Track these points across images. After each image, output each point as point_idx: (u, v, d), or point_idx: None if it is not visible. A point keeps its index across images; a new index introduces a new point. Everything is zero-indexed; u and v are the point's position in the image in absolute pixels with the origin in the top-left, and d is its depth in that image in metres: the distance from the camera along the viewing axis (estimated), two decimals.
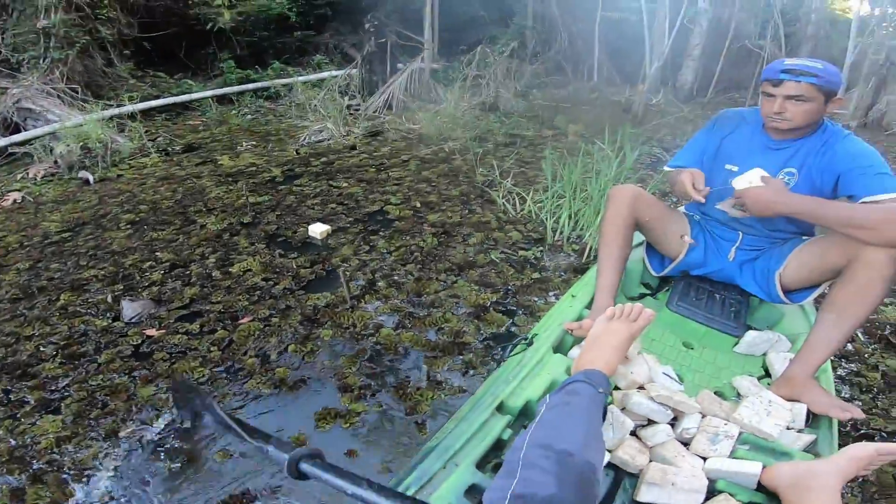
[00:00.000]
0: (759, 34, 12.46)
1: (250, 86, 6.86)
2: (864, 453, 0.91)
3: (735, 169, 1.38)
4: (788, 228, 1.41)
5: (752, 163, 1.33)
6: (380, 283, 2.28)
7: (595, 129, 3.76)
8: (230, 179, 3.61)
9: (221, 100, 6.52)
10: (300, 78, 7.07)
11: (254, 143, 4.59)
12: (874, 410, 1.67)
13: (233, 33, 8.62)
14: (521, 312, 2.12)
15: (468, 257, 2.52)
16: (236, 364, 1.82)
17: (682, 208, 1.69)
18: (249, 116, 5.95)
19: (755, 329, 1.44)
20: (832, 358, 1.33)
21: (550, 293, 2.27)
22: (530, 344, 1.27)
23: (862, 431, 1.58)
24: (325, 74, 7.51)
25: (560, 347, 1.27)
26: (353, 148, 4.30)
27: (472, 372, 1.78)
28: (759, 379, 1.31)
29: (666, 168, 1.61)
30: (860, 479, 1.38)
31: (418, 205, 3.12)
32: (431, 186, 3.42)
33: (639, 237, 1.62)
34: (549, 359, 1.13)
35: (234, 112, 5.85)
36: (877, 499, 1.34)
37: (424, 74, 6.66)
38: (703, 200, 1.35)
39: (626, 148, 3.20)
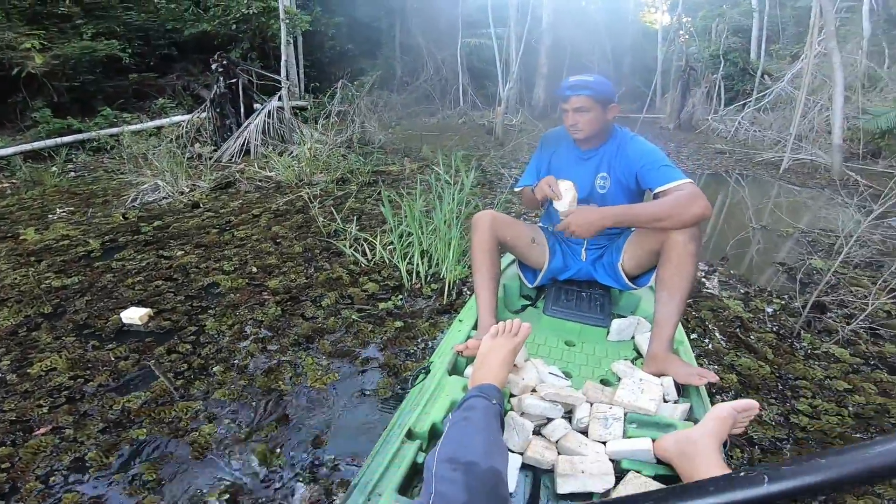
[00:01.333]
0: (590, 50, 14.15)
1: (68, 138, 5.91)
2: (724, 413, 0.99)
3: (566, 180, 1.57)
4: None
5: (573, 175, 1.52)
6: (215, 369, 1.92)
7: (455, 155, 3.71)
8: (32, 259, 2.95)
9: (35, 156, 5.52)
10: (131, 126, 6.26)
11: (71, 208, 3.88)
12: None
13: (48, 79, 7.48)
14: (386, 374, 1.88)
15: (316, 324, 2.23)
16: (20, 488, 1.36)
17: (539, 223, 1.83)
18: (73, 174, 5.09)
19: (620, 316, 1.61)
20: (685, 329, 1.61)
21: (419, 340, 2.09)
22: (428, 372, 1.32)
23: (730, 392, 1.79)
24: (165, 121, 6.79)
25: (456, 370, 1.33)
26: (196, 206, 3.81)
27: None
28: (634, 360, 1.46)
29: (516, 189, 1.80)
30: (741, 437, 1.50)
31: (255, 270, 2.73)
32: (276, 245, 3.06)
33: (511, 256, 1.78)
34: (446, 381, 1.19)
35: (52, 170, 4.94)
36: (759, 456, 1.48)
37: (284, 114, 6.31)
38: (560, 197, 1.48)
39: (462, 173, 3.16)
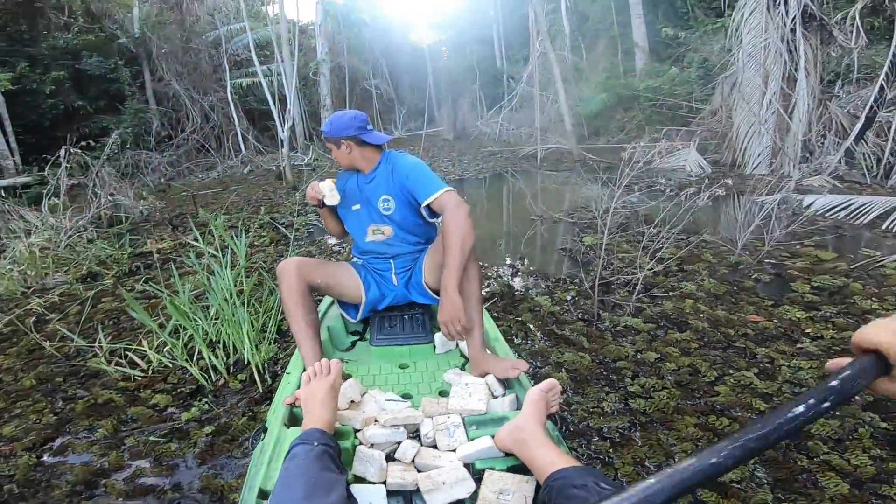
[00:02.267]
0: (372, 74, 14.70)
1: None
2: (535, 396, 1.08)
3: (357, 207, 1.66)
4: (411, 240, 1.66)
5: (363, 198, 1.64)
6: None
7: (215, 221, 3.27)
8: None
9: None
10: None
11: None
12: (574, 406, 1.83)
13: None
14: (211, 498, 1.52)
15: (93, 465, 1.68)
16: None
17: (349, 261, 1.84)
18: None
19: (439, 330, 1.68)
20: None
21: (241, 439, 1.74)
22: (266, 430, 1.28)
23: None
24: None
25: (295, 421, 1.28)
26: None
27: None
28: (463, 366, 1.52)
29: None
30: (556, 416, 1.63)
31: None
32: None
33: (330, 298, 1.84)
34: (284, 435, 1.16)
35: None
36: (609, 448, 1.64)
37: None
38: (324, 194, 1.61)
39: (230, 241, 2.80)
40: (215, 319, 2.37)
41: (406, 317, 1.71)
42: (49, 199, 4.91)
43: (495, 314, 2.57)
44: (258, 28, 10.22)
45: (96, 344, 2.41)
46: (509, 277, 3.13)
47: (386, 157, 1.63)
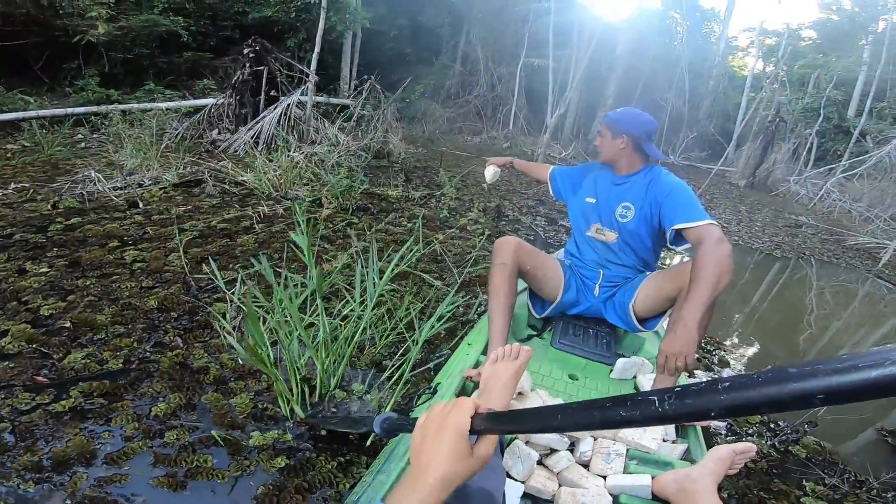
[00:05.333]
0: (667, 86, 12.58)
1: (79, 109, 5.46)
2: (724, 454, 1.02)
3: (593, 201, 1.60)
4: (629, 257, 1.56)
5: (602, 195, 1.58)
6: None
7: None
8: None
9: (77, 123, 5.14)
10: (139, 105, 5.72)
11: (26, 184, 3.28)
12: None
13: (107, 48, 7.25)
14: None
15: (115, 450, 1.24)
16: None
17: (557, 255, 1.77)
18: (81, 146, 4.61)
19: (624, 356, 1.56)
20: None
21: (317, 493, 1.18)
22: (434, 393, 1.26)
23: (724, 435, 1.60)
24: (191, 102, 6.28)
25: (464, 393, 1.29)
26: (134, 205, 3.09)
27: None
28: None
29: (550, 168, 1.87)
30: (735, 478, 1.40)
31: (68, 325, 1.66)
32: (142, 288, 2.02)
33: (521, 284, 1.69)
34: None
35: (61, 137, 4.45)
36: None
37: (306, 110, 5.59)
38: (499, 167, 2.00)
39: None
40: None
41: (592, 330, 1.63)
42: (341, 121, 5.35)
43: None
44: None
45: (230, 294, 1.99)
46: (772, 440, 1.75)
47: (648, 169, 1.53)
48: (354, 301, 1.46)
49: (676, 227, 1.35)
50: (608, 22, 12.61)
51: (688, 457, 1.18)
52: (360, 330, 1.43)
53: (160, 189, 3.42)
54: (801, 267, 4.55)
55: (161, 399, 1.44)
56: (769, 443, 1.73)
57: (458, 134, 8.93)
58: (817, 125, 10.36)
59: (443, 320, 1.38)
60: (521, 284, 1.72)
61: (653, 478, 1.01)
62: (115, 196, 3.16)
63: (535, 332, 1.69)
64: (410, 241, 1.57)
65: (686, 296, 1.24)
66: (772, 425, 1.86)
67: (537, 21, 8.93)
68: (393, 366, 1.48)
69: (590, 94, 10.56)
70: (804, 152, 9.85)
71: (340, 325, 1.49)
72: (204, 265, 2.27)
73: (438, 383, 1.34)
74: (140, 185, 3.46)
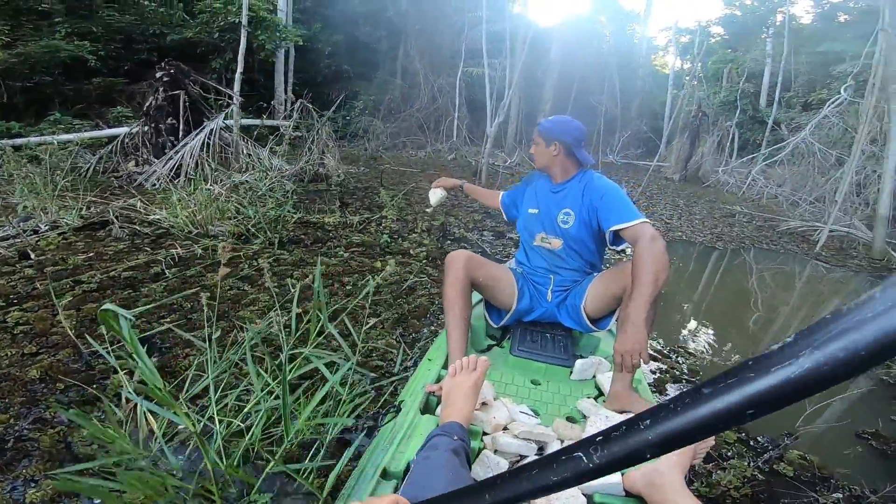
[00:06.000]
0: (599, 89, 12.99)
1: None
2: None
3: (535, 211, 1.62)
4: (576, 261, 1.57)
5: (543, 204, 1.59)
6: None
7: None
8: None
9: None
10: (35, 139, 5.03)
11: None
12: None
13: (4, 76, 6.45)
14: None
15: None
16: None
17: (509, 264, 1.78)
18: None
19: (582, 357, 1.58)
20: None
21: None
22: (399, 410, 1.25)
23: None
24: (103, 132, 5.66)
25: (427, 408, 1.27)
26: (25, 257, 2.58)
27: None
28: (596, 398, 1.44)
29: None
30: (696, 467, 1.45)
31: None
32: (18, 352, 1.66)
33: (477, 296, 1.73)
34: (419, 420, 1.12)
35: None
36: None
37: (233, 135, 5.14)
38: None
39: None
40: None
41: (549, 335, 1.63)
42: (273, 145, 4.94)
43: None
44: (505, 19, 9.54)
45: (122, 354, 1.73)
46: (755, 460, 1.58)
47: (582, 174, 1.56)
48: (263, 379, 1.15)
49: (613, 228, 1.39)
50: (540, 28, 12.89)
51: None
52: (267, 419, 1.12)
53: (58, 235, 2.92)
54: (741, 256, 4.63)
55: (34, 484, 1.14)
56: (752, 464, 1.57)
57: (401, 149, 8.67)
58: (736, 117, 10.97)
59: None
60: (477, 296, 1.74)
61: (622, 474, 1.00)
62: (3, 247, 2.64)
63: (494, 342, 1.68)
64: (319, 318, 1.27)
65: (630, 295, 1.27)
66: (751, 443, 1.71)
67: (473, 30, 8.87)
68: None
69: (529, 101, 10.65)
70: (727, 144, 10.38)
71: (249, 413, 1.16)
72: (102, 325, 1.86)
73: (402, 400, 1.33)
74: (35, 232, 2.93)
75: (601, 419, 1.22)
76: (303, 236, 3.35)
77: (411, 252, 3.18)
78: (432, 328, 2.22)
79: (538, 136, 1.55)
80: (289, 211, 3.37)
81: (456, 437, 0.92)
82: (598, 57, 12.82)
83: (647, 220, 1.36)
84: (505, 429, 1.14)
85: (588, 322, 1.54)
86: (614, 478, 0.98)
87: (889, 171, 4.63)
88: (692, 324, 2.96)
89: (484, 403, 1.20)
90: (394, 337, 2.10)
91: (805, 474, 1.56)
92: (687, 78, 13.14)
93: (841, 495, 1.47)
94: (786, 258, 4.73)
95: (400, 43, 10.15)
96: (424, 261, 3.02)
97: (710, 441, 1.06)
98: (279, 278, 2.63)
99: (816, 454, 1.66)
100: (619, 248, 1.48)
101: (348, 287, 2.56)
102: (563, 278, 1.60)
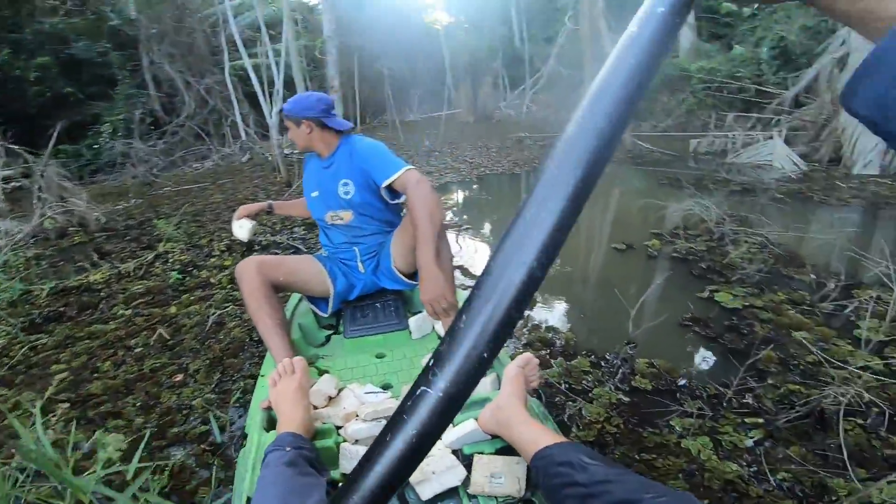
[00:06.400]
0: (384, 54, 13.06)
1: None
2: (513, 373, 1.01)
3: (316, 194, 1.54)
4: (373, 225, 1.53)
5: (321, 183, 1.52)
6: None
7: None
8: None
9: None
10: None
11: None
12: None
13: None
14: None
15: None
16: None
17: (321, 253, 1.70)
18: None
19: (415, 313, 1.52)
20: None
21: None
22: (245, 437, 1.15)
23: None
24: None
25: (273, 423, 1.17)
26: None
27: None
28: None
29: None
30: (537, 391, 1.50)
31: None
32: None
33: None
34: (264, 439, 1.04)
35: None
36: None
37: None
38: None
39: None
40: None
41: (378, 305, 1.59)
42: None
43: None
44: (265, 4, 8.70)
45: None
46: (612, 382, 1.69)
47: (345, 141, 1.50)
48: None
49: (384, 184, 1.38)
50: (310, 4, 12.04)
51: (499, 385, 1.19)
52: None
53: None
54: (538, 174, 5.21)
55: None
56: (612, 388, 1.62)
57: (180, 166, 7.38)
58: (501, 59, 12.20)
59: None
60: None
61: (476, 419, 0.99)
62: None
63: (331, 331, 1.59)
64: None
65: (416, 241, 1.29)
66: (602, 364, 1.77)
67: (238, 20, 7.75)
68: None
69: (318, 81, 10.07)
70: (500, 82, 11.53)
71: None
72: None
73: (247, 425, 1.25)
74: None
75: None
76: (63, 308, 2.56)
77: (212, 281, 2.68)
78: (255, 360, 1.89)
79: (287, 121, 1.50)
80: (33, 284, 2.51)
81: (289, 448, 0.86)
82: (373, 22, 12.71)
83: (412, 167, 1.38)
84: (357, 416, 1.09)
85: (405, 278, 1.54)
86: (469, 426, 0.97)
87: None
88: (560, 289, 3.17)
89: (330, 398, 1.15)
90: (212, 387, 1.73)
91: (661, 384, 1.64)
92: (458, 31, 14.02)
93: (703, 399, 1.53)
94: None
95: (139, 51, 8.44)
96: (229, 286, 2.57)
97: (534, 362, 1.05)
98: (41, 369, 1.97)
99: (659, 356, 1.77)
100: (399, 202, 1.49)
101: (138, 349, 2.03)
102: (367, 246, 1.57)
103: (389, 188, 1.40)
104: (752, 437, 1.41)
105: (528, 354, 1.06)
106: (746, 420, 1.45)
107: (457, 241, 3.28)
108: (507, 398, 0.94)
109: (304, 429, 0.94)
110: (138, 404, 1.70)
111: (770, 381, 1.60)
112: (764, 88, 6.64)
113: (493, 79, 11.57)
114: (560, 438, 0.82)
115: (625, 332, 1.92)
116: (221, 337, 2.03)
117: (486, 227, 3.63)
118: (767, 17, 7.55)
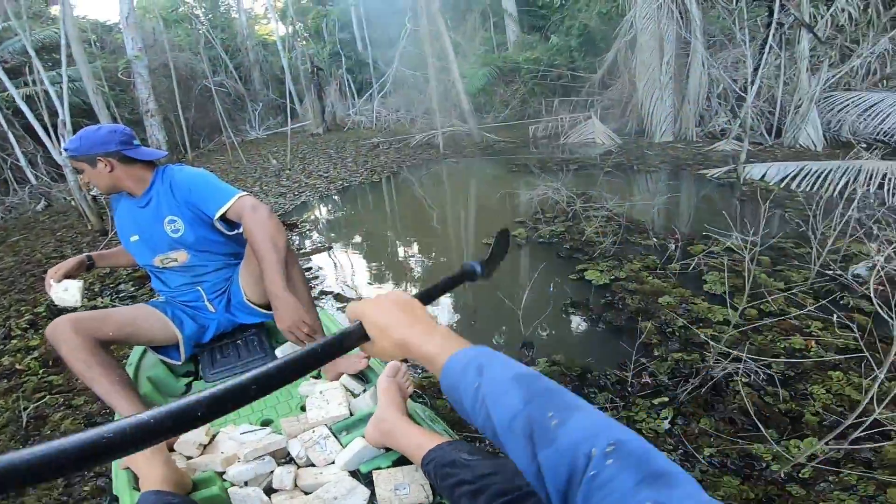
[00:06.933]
0: (214, 71, 11.61)
1: None
2: (385, 384, 1.00)
3: (136, 238, 1.36)
4: (215, 261, 1.40)
5: (140, 226, 1.34)
6: None
7: None
8: None
9: None
10: None
11: None
12: None
13: None
14: None
15: None
16: None
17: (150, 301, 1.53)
18: None
19: (282, 343, 1.47)
20: None
21: None
22: (117, 499, 1.03)
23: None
24: None
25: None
26: None
27: None
28: (318, 375, 1.33)
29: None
30: (413, 397, 1.37)
31: None
32: None
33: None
34: (136, 499, 0.90)
35: None
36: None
37: None
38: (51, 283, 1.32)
39: None
40: None
41: (239, 341, 1.47)
42: None
43: None
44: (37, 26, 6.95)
45: None
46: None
47: (161, 175, 1.33)
48: None
49: (216, 216, 1.26)
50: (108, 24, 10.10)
51: None
52: None
53: None
54: (398, 178, 5.08)
55: None
56: None
57: None
58: (344, 65, 11.81)
59: None
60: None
61: (363, 436, 0.98)
62: None
63: (192, 378, 1.45)
64: None
65: (261, 271, 1.21)
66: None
67: (6, 46, 5.82)
68: None
69: (128, 106, 8.46)
70: (346, 89, 11.16)
71: None
72: None
73: (114, 487, 1.11)
74: None
75: (318, 397, 1.16)
76: None
77: (18, 367, 1.97)
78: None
79: (76, 163, 1.28)
80: None
81: None
82: (198, 41, 11.15)
83: (244, 193, 1.26)
84: (239, 459, 1.02)
85: (261, 309, 1.42)
86: (358, 444, 0.95)
87: (457, 78, 5.83)
88: (382, 248, 2.97)
89: (203, 445, 1.08)
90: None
91: (566, 381, 1.59)
92: (294, 39, 13.10)
93: (609, 390, 1.53)
94: (427, 165, 5.48)
95: None
96: (42, 371, 1.91)
97: (403, 368, 1.03)
98: None
99: (556, 350, 1.74)
100: (238, 232, 1.34)
101: None
102: (213, 283, 1.43)
103: (223, 218, 1.27)
104: (665, 419, 1.41)
105: (395, 363, 1.03)
106: (654, 402, 1.46)
107: (333, 260, 2.97)
108: (385, 409, 0.93)
109: (168, 483, 0.88)
110: None
111: (656, 354, 1.67)
112: (577, 73, 7.52)
113: (339, 86, 11.12)
114: (443, 439, 0.80)
115: (517, 333, 1.88)
116: (48, 433, 1.48)
117: (357, 242, 3.37)
118: (572, 6, 8.49)
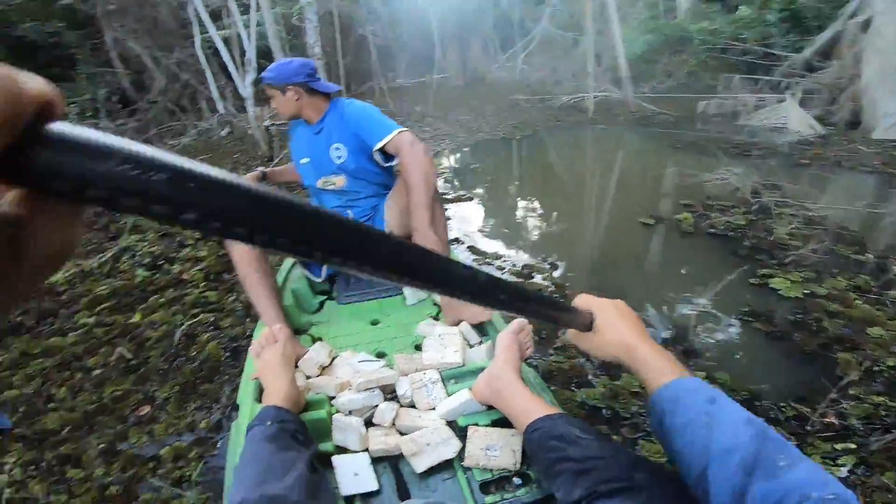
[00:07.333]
0: (363, 21, 12.16)
1: None
2: (507, 341, 0.95)
3: (306, 161, 1.46)
4: (368, 189, 1.47)
5: (311, 151, 1.44)
6: None
7: None
8: None
9: None
10: None
11: None
12: None
13: None
14: None
15: None
16: None
17: None
18: None
19: None
20: None
21: None
22: (238, 407, 1.13)
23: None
24: None
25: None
26: None
27: None
28: (437, 316, 1.35)
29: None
30: (532, 359, 1.40)
31: None
32: None
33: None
34: (255, 411, 0.94)
35: None
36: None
37: None
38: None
39: None
40: None
41: None
42: None
43: None
44: None
45: None
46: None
47: (334, 105, 1.42)
48: None
49: (376, 147, 1.31)
50: None
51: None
52: None
53: None
54: (540, 137, 4.80)
55: None
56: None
57: (156, 143, 6.81)
58: (492, 21, 11.45)
59: None
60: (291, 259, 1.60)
61: (470, 389, 0.95)
62: None
63: (325, 297, 1.52)
64: None
65: (409, 205, 1.24)
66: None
67: None
68: None
69: (295, 49, 9.34)
70: (490, 44, 10.84)
71: None
72: None
73: (238, 396, 1.19)
74: None
75: (436, 339, 1.13)
76: (21, 317, 2.19)
77: (185, 277, 2.31)
78: (235, 385, 1.57)
79: (270, 90, 1.39)
80: None
81: (270, 423, 0.83)
82: None
83: (405, 129, 1.31)
84: (350, 386, 1.03)
85: None
86: (463, 395, 0.93)
87: (619, 42, 5.21)
88: (522, 211, 2.82)
89: (323, 367, 1.11)
90: (187, 418, 1.41)
91: (736, 397, 1.30)
92: None
93: (782, 425, 1.27)
94: (574, 128, 5.09)
95: (100, 29, 7.71)
96: (204, 284, 2.21)
97: (529, 328, 0.99)
98: None
99: (721, 365, 1.46)
100: (392, 165, 1.39)
101: (96, 371, 1.69)
102: (362, 209, 1.52)
103: (382, 151, 1.33)
104: (843, 466, 1.15)
105: (522, 320, 0.99)
106: (837, 446, 1.17)
107: (468, 212, 2.97)
108: (501, 366, 0.91)
109: (288, 401, 0.90)
110: (101, 447, 1.38)
111: (852, 393, 1.32)
112: (772, 51, 6.21)
113: (483, 42, 10.85)
114: (554, 410, 0.79)
115: (672, 333, 1.61)
116: (193, 354, 1.69)
117: (492, 197, 3.28)
118: None
